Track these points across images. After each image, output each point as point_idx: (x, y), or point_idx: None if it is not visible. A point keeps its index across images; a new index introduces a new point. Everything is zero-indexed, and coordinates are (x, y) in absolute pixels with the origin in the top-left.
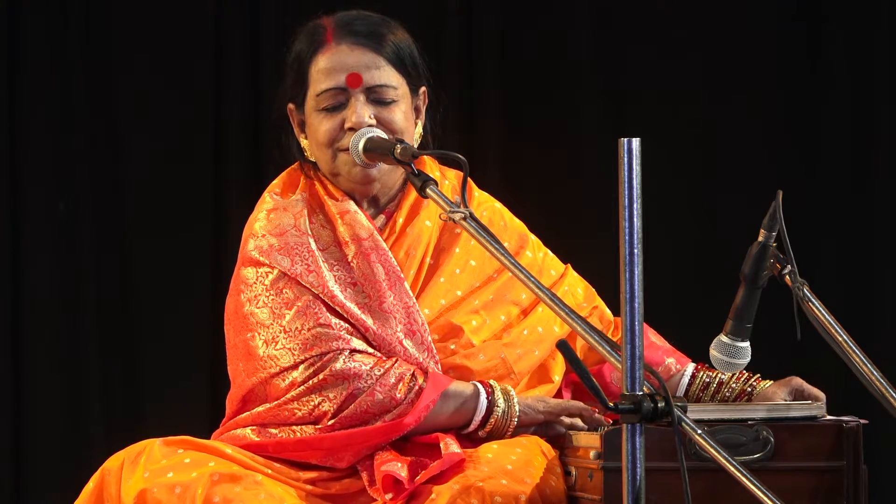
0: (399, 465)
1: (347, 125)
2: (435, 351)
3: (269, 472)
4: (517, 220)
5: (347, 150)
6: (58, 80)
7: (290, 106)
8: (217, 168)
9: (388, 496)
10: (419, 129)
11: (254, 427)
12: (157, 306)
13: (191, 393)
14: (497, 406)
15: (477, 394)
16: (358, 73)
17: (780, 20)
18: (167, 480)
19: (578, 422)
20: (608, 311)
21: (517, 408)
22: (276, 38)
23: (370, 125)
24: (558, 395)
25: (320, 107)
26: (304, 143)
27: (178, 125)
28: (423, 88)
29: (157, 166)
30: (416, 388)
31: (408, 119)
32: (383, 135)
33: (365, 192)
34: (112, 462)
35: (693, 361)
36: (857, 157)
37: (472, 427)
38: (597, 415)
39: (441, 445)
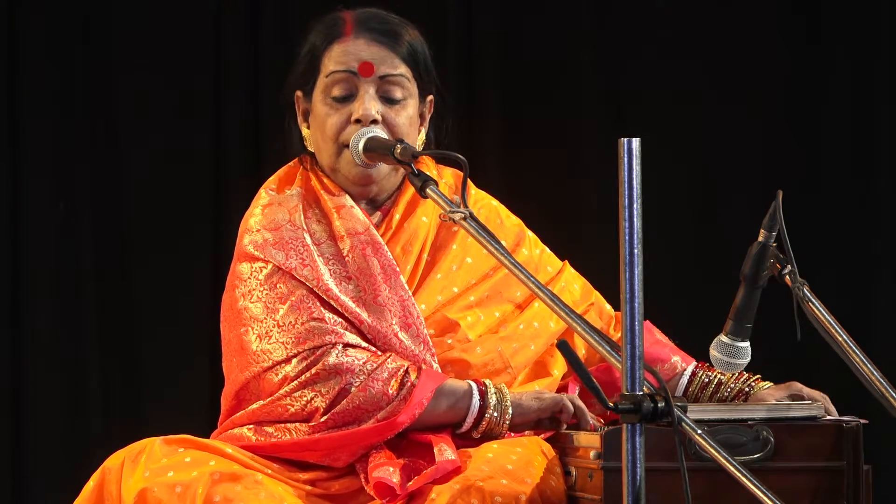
0: (391, 469)
1: (354, 117)
2: (431, 344)
3: (269, 471)
4: (514, 217)
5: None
6: (58, 80)
7: (298, 94)
8: (217, 168)
9: (385, 500)
10: (422, 136)
11: (250, 426)
12: (157, 306)
13: (191, 392)
14: (489, 408)
15: (470, 393)
16: (371, 63)
17: (780, 20)
18: (168, 479)
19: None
20: (607, 306)
21: (510, 411)
22: (277, 38)
23: (375, 120)
24: (563, 389)
25: (329, 93)
26: (305, 132)
27: (178, 125)
28: (430, 97)
29: (157, 166)
30: (409, 384)
31: (412, 124)
32: (384, 135)
33: (363, 192)
34: (112, 461)
35: (696, 361)
36: (857, 156)
37: (464, 428)
38: (589, 416)
39: (435, 451)
